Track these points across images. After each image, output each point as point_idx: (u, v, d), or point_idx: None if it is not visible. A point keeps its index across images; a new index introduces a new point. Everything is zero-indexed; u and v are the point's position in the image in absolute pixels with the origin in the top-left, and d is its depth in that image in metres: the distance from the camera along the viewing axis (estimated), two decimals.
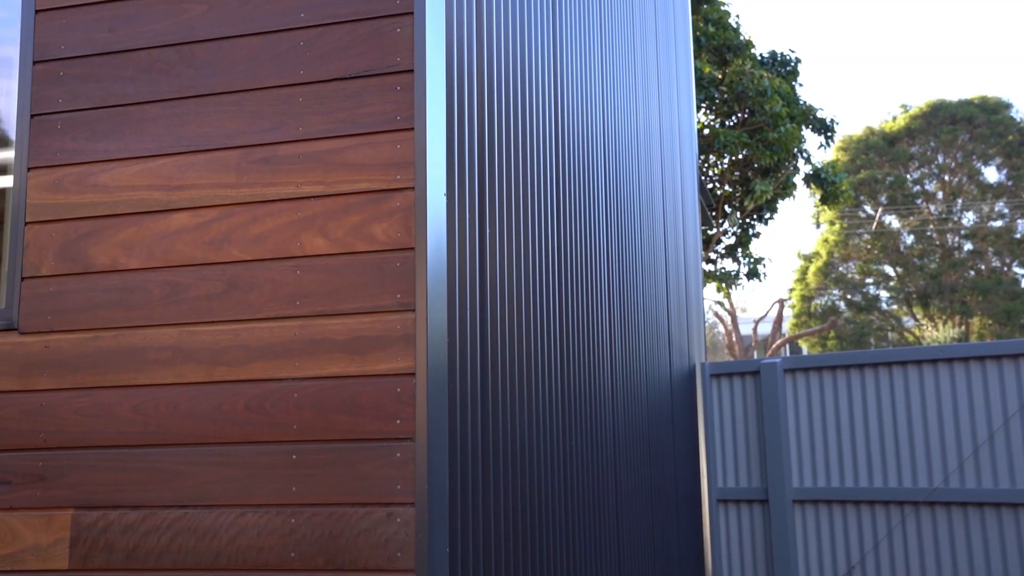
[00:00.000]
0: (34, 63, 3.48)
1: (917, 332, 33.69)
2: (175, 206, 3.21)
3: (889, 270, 34.79)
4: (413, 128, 2.99)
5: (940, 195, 35.33)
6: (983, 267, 33.67)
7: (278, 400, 3.01)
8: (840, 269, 34.93)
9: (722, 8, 17.42)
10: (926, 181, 35.64)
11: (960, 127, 35.00)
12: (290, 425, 2.98)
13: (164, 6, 3.34)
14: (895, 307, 34.64)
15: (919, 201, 35.21)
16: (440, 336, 2.90)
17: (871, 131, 36.05)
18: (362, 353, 2.94)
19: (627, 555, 5.15)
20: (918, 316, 34.03)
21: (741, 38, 17.25)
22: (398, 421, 2.87)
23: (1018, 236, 33.80)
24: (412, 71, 3.02)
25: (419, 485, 2.82)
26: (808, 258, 35.17)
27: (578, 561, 4.23)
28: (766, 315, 29.12)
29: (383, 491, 2.86)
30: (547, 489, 3.86)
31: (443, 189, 2.98)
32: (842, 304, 34.59)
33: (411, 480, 2.84)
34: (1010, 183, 34.55)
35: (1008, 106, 34.84)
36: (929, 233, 34.69)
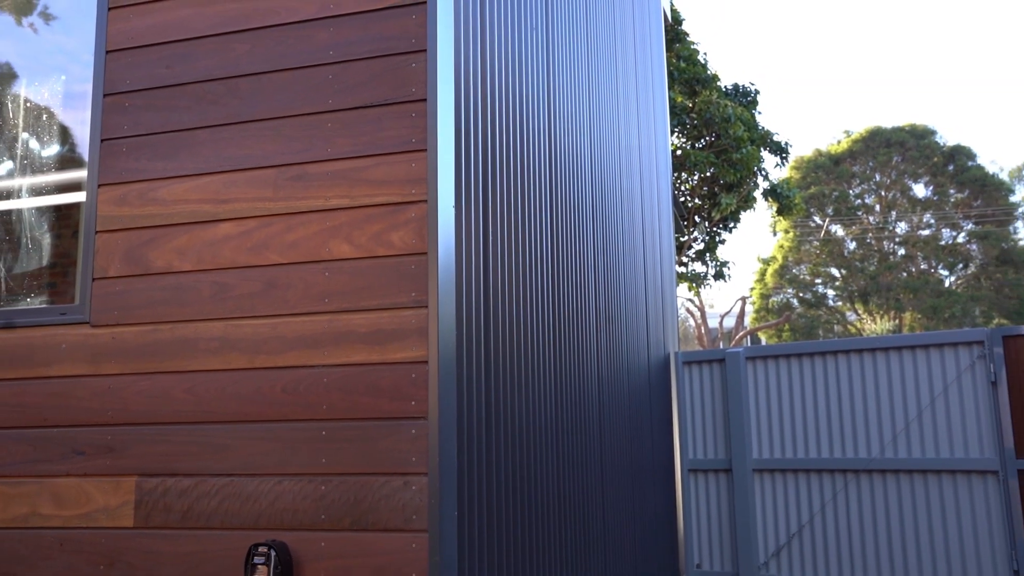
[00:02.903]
0: (104, 96, 3.46)
1: (859, 325, 33.67)
2: (221, 217, 3.18)
3: (835, 272, 34.76)
4: (426, 149, 2.95)
5: (877, 208, 35.30)
6: (914, 269, 33.63)
7: (310, 384, 2.98)
8: (793, 271, 34.89)
9: (692, 47, 17.39)
10: (866, 196, 35.61)
11: (894, 150, 34.97)
12: (320, 405, 2.95)
13: (213, 46, 3.31)
14: (840, 303, 34.61)
15: (860, 213, 35.17)
16: (449, 329, 2.87)
17: (819, 153, 36.01)
18: (382, 344, 2.91)
19: (611, 517, 5.12)
20: (859, 311, 34.00)
21: (708, 72, 17.21)
22: (413, 402, 2.84)
23: (943, 243, 33.77)
24: (425, 100, 2.98)
25: (431, 458, 2.79)
26: (766, 262, 35.14)
27: (568, 522, 4.20)
28: (730, 310, 29.09)
29: (400, 463, 2.83)
30: (542, 461, 3.82)
31: (452, 202, 2.95)
32: (795, 301, 34.55)
33: (424, 453, 2.81)
34: (936, 198, 34.51)
35: (933, 132, 34.80)
36: (868, 240, 34.66)
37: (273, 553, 2.90)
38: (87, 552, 3.16)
